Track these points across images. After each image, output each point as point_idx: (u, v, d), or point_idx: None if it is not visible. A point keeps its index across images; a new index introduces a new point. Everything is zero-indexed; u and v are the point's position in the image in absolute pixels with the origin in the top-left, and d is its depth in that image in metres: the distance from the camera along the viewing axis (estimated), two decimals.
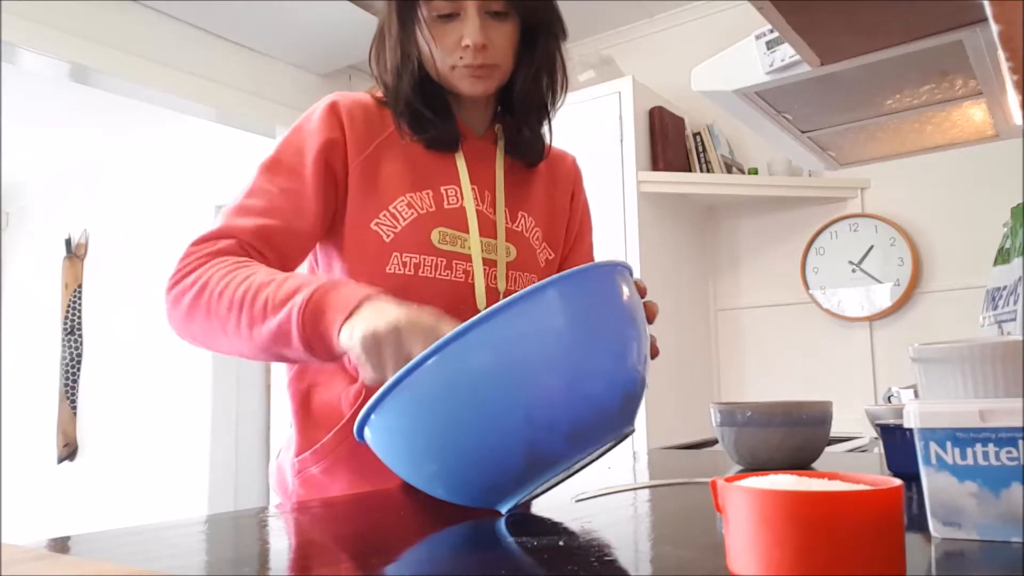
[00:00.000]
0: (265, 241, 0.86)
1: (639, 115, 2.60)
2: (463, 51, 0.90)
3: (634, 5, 3.01)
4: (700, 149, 2.73)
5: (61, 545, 0.55)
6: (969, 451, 0.49)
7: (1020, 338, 0.50)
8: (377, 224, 0.90)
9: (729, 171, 2.76)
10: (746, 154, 2.89)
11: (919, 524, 0.54)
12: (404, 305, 0.70)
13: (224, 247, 0.84)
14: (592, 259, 1.14)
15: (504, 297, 0.95)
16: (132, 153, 4.40)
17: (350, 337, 0.69)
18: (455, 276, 0.92)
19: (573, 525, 0.59)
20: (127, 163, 4.44)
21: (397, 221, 0.91)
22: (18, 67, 2.73)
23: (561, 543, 0.53)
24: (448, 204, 0.94)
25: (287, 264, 0.89)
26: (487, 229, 0.96)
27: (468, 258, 0.93)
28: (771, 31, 1.07)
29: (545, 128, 1.03)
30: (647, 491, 0.75)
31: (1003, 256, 1.44)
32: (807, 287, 2.72)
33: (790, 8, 0.84)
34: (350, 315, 0.71)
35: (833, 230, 2.70)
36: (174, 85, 2.91)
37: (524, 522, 0.61)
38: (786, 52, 1.06)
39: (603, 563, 0.47)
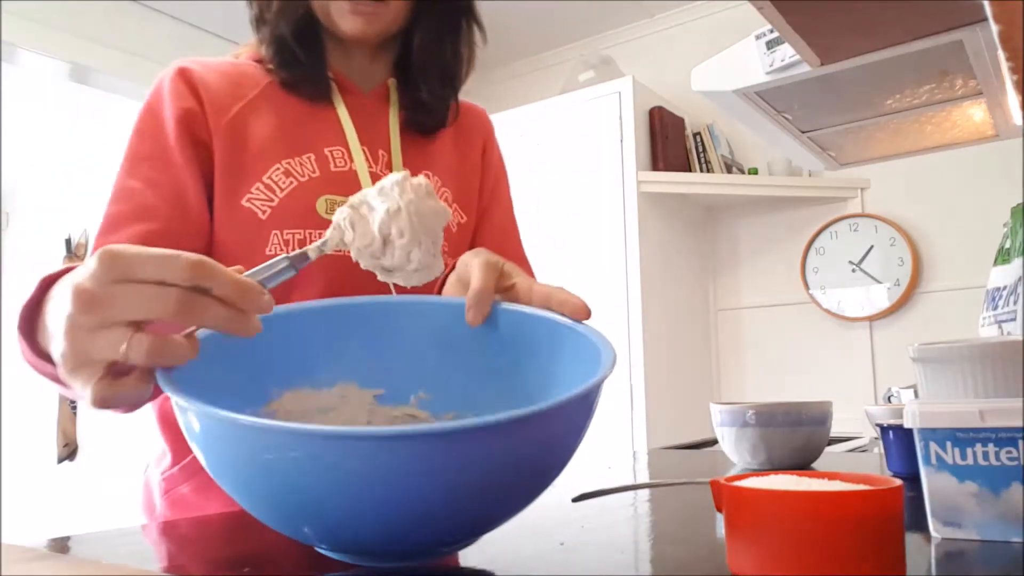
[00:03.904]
0: None
1: (639, 115, 2.60)
2: None
3: (634, 5, 3.00)
4: (700, 149, 2.73)
5: (61, 545, 0.55)
6: (969, 451, 0.49)
7: (1020, 338, 0.50)
8: (250, 200, 0.79)
9: (729, 171, 2.76)
10: (746, 154, 2.89)
11: (919, 524, 0.54)
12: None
13: None
14: (512, 220, 1.01)
15: None
16: None
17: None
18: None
19: (573, 525, 0.59)
20: None
21: (273, 193, 0.79)
22: (18, 67, 2.73)
23: (561, 543, 0.53)
24: (335, 167, 0.83)
25: None
26: None
27: None
28: (771, 31, 1.07)
29: (450, 96, 0.93)
30: (647, 491, 0.75)
31: (1003, 256, 1.44)
32: (807, 287, 2.72)
33: (790, 8, 0.84)
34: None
35: (833, 230, 2.70)
36: None
37: (523, 522, 0.61)
38: (786, 52, 1.06)
39: (603, 563, 0.47)
